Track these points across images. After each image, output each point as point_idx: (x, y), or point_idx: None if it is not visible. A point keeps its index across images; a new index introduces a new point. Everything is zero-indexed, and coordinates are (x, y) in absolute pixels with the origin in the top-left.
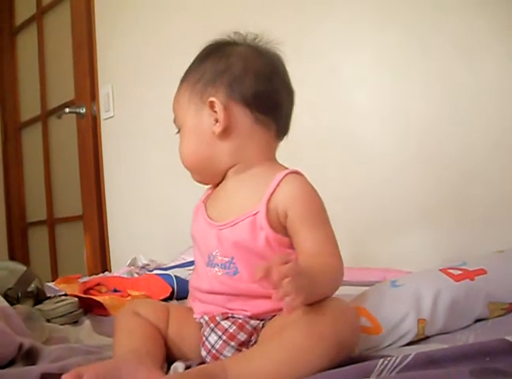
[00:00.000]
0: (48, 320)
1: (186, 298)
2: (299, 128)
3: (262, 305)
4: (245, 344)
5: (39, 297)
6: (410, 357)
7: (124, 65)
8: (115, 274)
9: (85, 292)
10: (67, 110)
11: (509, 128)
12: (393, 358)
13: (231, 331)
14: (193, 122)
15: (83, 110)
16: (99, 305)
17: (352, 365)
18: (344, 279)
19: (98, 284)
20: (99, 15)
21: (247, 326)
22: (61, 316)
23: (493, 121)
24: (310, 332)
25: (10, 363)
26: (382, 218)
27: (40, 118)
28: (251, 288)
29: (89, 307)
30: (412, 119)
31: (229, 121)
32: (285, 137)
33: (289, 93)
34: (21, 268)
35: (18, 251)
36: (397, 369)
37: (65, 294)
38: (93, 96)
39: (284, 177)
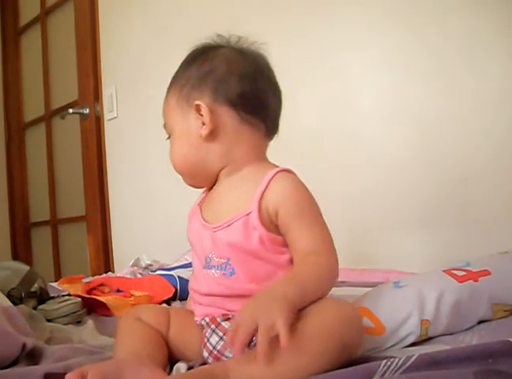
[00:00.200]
0: (51, 320)
1: None
2: (300, 128)
3: None
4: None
5: (43, 297)
6: (413, 358)
7: (128, 66)
8: (118, 274)
9: (88, 292)
10: (71, 110)
11: (510, 128)
12: (396, 359)
13: None
14: (182, 127)
15: (86, 111)
16: (103, 305)
17: (355, 366)
18: (347, 280)
19: (101, 284)
20: (103, 16)
21: None
22: (64, 316)
23: (494, 121)
24: (313, 333)
25: (13, 363)
26: (383, 218)
27: (44, 119)
28: (249, 288)
29: (92, 307)
30: (413, 120)
31: (216, 124)
32: (275, 136)
33: (275, 92)
34: (24, 268)
35: (21, 251)
36: (400, 371)
37: (69, 294)
38: (97, 97)
39: (275, 175)
